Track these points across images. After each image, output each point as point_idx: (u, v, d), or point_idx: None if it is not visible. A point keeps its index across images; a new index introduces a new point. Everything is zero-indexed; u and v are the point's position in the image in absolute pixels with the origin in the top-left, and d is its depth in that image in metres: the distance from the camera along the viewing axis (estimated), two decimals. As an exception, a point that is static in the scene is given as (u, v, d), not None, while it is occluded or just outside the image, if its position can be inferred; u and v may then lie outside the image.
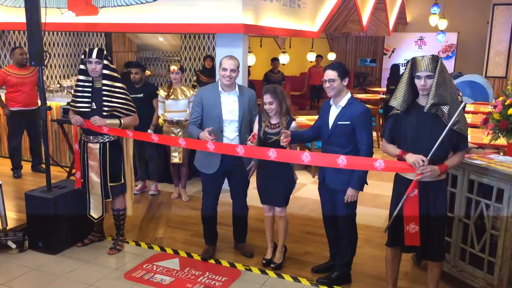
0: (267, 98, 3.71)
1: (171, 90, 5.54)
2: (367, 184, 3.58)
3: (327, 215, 3.76)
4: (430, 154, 2.85)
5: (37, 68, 6.41)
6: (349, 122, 3.39)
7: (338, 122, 3.43)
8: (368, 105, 8.91)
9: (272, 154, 3.44)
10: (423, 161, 2.84)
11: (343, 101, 3.46)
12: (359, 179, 3.42)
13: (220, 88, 3.90)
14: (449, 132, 2.85)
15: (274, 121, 3.78)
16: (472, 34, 12.65)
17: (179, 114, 5.47)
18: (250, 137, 3.71)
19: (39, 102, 6.48)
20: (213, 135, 3.65)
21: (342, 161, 3.17)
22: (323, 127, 3.58)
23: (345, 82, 3.46)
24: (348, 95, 3.49)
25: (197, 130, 3.84)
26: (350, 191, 3.43)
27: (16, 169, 6.51)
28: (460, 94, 3.18)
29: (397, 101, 3.03)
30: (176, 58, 9.30)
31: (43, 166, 6.70)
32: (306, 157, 3.35)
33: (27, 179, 6.40)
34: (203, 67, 7.75)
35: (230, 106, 3.90)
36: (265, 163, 3.84)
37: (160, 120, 5.74)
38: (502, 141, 4.06)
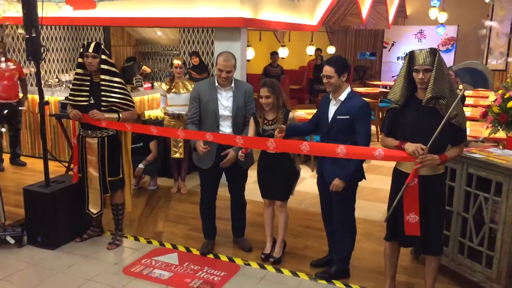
0: (264, 91, 3.70)
1: (173, 84, 5.55)
2: (365, 179, 3.58)
3: (325, 210, 3.76)
4: (429, 143, 2.84)
5: (17, 61, 6.44)
6: (348, 117, 3.38)
7: (338, 117, 3.42)
8: (367, 99, 8.92)
9: (271, 144, 3.44)
10: (422, 149, 2.83)
11: (343, 96, 3.44)
12: (349, 172, 3.41)
13: (216, 84, 3.89)
14: (448, 125, 2.84)
15: (270, 116, 3.77)
16: (472, 27, 12.59)
17: (180, 108, 5.46)
18: (240, 152, 3.69)
19: (20, 95, 6.49)
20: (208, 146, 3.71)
21: (341, 150, 3.15)
22: (322, 121, 3.56)
23: (344, 78, 3.43)
24: (348, 90, 3.47)
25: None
26: (336, 181, 3.43)
27: None
28: (460, 86, 3.16)
29: (395, 95, 3.02)
30: (175, 52, 9.26)
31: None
32: (305, 146, 3.33)
33: (25, 173, 6.40)
34: (192, 64, 7.77)
35: (225, 102, 3.89)
36: (266, 157, 3.84)
37: (161, 114, 5.75)
38: (501, 134, 4.05)
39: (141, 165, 5.51)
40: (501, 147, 4.13)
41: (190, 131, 3.88)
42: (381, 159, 3.09)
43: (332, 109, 3.48)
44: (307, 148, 3.35)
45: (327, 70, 3.39)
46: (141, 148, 5.61)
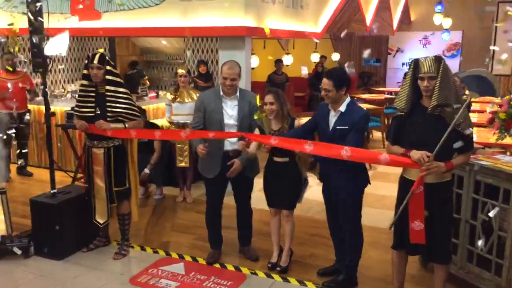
0: (269, 98, 3.73)
1: (178, 93, 5.56)
2: (370, 183, 3.56)
3: (332, 218, 3.74)
4: (435, 151, 2.82)
5: (26, 73, 6.51)
6: (348, 127, 3.36)
7: (338, 127, 3.40)
8: (373, 105, 8.93)
9: (273, 141, 3.44)
10: (428, 157, 2.82)
11: (342, 107, 3.43)
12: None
13: (221, 93, 3.89)
14: (454, 133, 2.82)
15: (276, 126, 3.77)
16: (477, 32, 12.57)
17: (185, 117, 5.47)
18: (241, 141, 3.66)
19: (28, 105, 6.55)
20: (207, 147, 3.72)
21: (346, 152, 3.13)
22: (322, 130, 3.53)
23: (342, 92, 3.41)
24: (347, 100, 3.45)
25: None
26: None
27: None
28: (467, 92, 3.15)
29: (400, 103, 3.01)
30: (179, 61, 9.31)
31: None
32: (309, 145, 3.31)
33: (32, 184, 6.42)
34: (198, 73, 7.79)
35: (230, 111, 3.89)
36: (273, 165, 3.83)
37: (167, 123, 5.76)
38: (508, 140, 4.03)
39: (146, 170, 5.50)
40: (508, 154, 4.10)
41: (192, 132, 3.92)
42: (386, 164, 3.08)
43: (333, 119, 3.46)
44: (311, 147, 3.33)
45: (326, 83, 3.38)
46: (145, 145, 5.53)
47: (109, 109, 3.94)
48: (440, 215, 3.01)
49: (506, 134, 3.94)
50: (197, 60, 8.26)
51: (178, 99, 5.53)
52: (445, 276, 3.18)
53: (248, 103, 3.92)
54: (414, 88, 2.98)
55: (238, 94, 3.92)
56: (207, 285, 3.75)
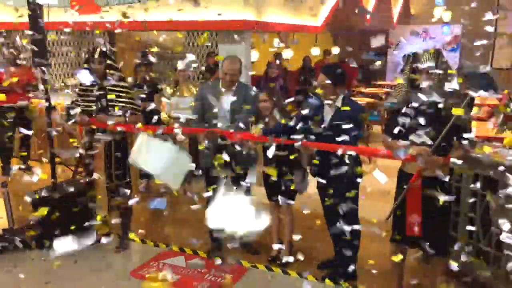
0: (263, 96, 3.75)
1: (177, 88, 5.57)
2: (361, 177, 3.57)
3: (328, 212, 3.75)
4: (433, 146, 2.83)
5: (28, 66, 6.52)
6: (344, 122, 3.36)
7: (334, 122, 3.41)
8: (372, 99, 8.93)
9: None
10: (425, 151, 2.83)
11: (338, 102, 3.43)
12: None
13: (220, 86, 3.90)
14: (452, 126, 2.83)
15: (272, 124, 3.77)
16: (477, 25, 12.54)
17: (185, 111, 5.47)
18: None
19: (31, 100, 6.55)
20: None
21: (345, 146, 3.16)
22: (316, 124, 3.52)
23: (339, 87, 3.41)
24: (343, 95, 3.46)
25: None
26: None
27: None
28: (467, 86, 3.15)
29: (398, 97, 3.02)
30: (180, 55, 9.28)
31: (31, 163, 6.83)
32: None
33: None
34: (207, 66, 7.75)
35: (226, 106, 3.91)
36: (273, 159, 3.83)
37: (166, 118, 5.77)
38: (508, 134, 4.03)
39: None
40: (507, 146, 4.11)
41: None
42: (384, 157, 3.10)
43: (328, 114, 3.47)
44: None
45: (322, 79, 3.38)
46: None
47: (110, 103, 3.95)
48: (438, 209, 3.02)
49: (505, 128, 3.94)
50: (207, 52, 8.20)
51: (178, 94, 5.54)
52: (444, 269, 3.20)
53: (242, 98, 3.90)
54: (412, 82, 2.98)
55: (234, 88, 3.91)
56: (207, 278, 3.77)
